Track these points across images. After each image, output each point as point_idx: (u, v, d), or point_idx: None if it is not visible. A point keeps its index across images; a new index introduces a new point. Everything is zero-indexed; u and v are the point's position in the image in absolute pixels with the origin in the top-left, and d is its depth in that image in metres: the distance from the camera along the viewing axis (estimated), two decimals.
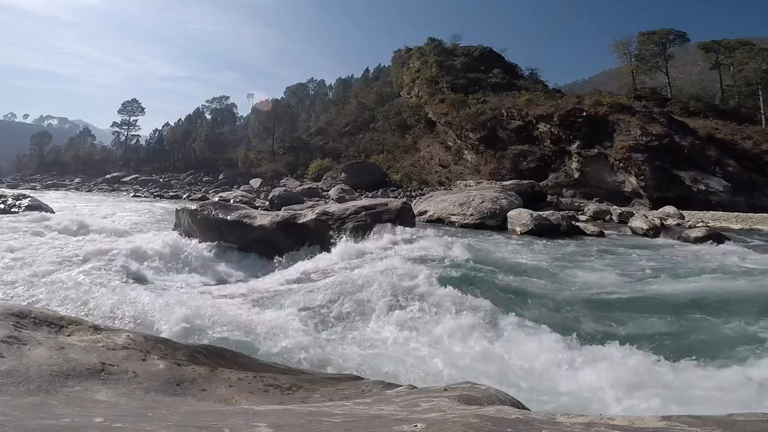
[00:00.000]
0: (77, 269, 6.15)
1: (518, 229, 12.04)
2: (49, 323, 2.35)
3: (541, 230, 11.55)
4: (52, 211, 12.72)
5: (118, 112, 57.42)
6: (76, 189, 38.14)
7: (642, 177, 22.79)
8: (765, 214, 16.31)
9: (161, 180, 41.21)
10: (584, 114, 26.75)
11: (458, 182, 26.98)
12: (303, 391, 2.20)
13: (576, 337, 4.03)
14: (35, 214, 10.98)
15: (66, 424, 1.30)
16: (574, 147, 26.11)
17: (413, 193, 26.72)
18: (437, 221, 14.10)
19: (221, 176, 40.31)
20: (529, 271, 6.61)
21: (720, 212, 17.67)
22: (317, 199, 25.44)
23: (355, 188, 28.64)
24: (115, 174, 44.84)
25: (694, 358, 3.68)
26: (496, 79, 38.47)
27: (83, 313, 4.48)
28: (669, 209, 16.92)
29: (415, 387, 2.32)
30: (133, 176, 42.90)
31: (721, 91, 38.33)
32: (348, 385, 2.40)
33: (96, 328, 2.44)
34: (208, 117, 58.77)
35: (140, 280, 6.25)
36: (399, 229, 8.05)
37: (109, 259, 6.61)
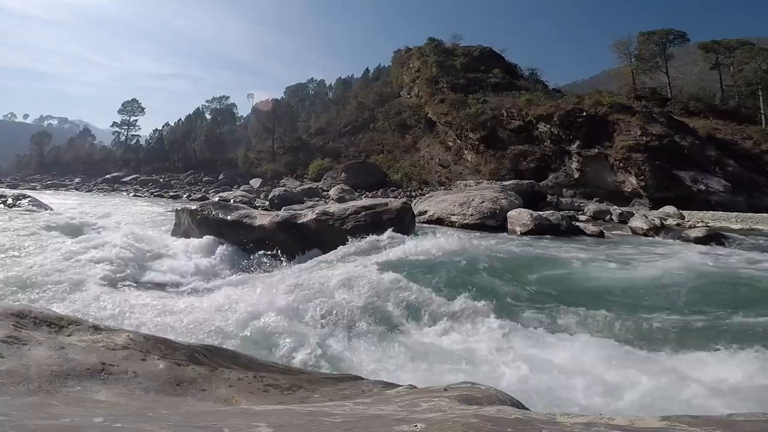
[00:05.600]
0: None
1: (518, 229, 12.03)
2: (49, 323, 2.35)
3: (541, 230, 11.54)
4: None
5: (118, 112, 57.40)
6: (76, 189, 38.09)
7: (642, 177, 22.78)
8: (765, 214, 16.30)
9: (161, 180, 41.17)
10: (584, 114, 26.72)
11: (458, 182, 26.96)
12: (303, 391, 2.20)
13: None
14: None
15: (66, 424, 1.30)
16: (574, 147, 26.09)
17: (413, 193, 26.70)
18: (437, 221, 14.09)
19: (221, 176, 40.26)
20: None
21: (720, 212, 17.65)
22: (317, 199, 25.43)
23: (355, 188, 28.61)
24: (115, 174, 44.78)
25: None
26: (496, 79, 38.43)
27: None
28: (669, 209, 16.91)
29: (415, 387, 2.32)
30: (133, 176, 42.85)
31: (721, 91, 38.30)
32: (348, 385, 2.41)
33: (96, 328, 2.44)
34: (208, 117, 58.69)
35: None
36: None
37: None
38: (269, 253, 7.80)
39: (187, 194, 30.84)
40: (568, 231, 11.83)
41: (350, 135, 43.70)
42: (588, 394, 3.13)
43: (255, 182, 34.97)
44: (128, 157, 52.96)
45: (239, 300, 4.90)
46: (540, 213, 12.77)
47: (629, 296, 5.37)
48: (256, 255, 7.76)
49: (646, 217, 13.76)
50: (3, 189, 19.69)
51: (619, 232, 13.18)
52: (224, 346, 3.39)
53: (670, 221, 14.28)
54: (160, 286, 6.49)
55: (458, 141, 32.46)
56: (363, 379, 2.65)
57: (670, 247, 9.63)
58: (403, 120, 39.46)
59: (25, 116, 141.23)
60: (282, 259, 7.64)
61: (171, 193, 31.84)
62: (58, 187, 38.99)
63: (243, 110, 69.80)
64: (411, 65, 45.46)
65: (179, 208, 9.95)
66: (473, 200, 14.25)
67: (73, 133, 74.64)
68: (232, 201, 17.78)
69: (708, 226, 12.54)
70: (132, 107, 57.75)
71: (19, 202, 12.20)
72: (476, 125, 30.70)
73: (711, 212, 17.62)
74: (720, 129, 27.94)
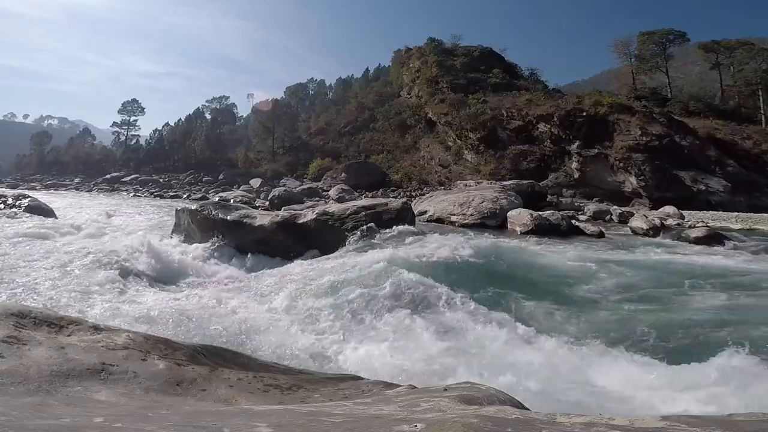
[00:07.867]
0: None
1: (518, 229, 12.03)
2: (49, 323, 2.35)
3: (541, 230, 11.54)
4: (53, 212, 12.75)
5: (118, 112, 57.43)
6: (76, 189, 38.12)
7: (642, 177, 22.78)
8: (765, 214, 16.29)
9: (161, 180, 41.17)
10: (584, 114, 26.72)
11: (458, 182, 26.94)
12: (303, 391, 2.20)
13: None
14: None
15: (66, 424, 1.30)
16: (574, 147, 26.09)
17: (413, 193, 26.66)
18: (437, 221, 14.10)
19: (221, 176, 40.27)
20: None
21: (720, 212, 17.65)
22: (317, 199, 25.42)
23: (355, 188, 28.62)
24: (115, 174, 44.78)
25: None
26: (496, 79, 38.39)
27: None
28: (669, 209, 16.91)
29: (415, 387, 2.32)
30: (133, 176, 42.85)
31: (721, 91, 38.28)
32: (348, 385, 2.41)
33: (96, 328, 2.45)
34: (208, 117, 58.69)
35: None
36: None
37: None
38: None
39: (187, 194, 30.86)
40: (568, 231, 11.83)
41: (350, 135, 43.70)
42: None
43: (255, 182, 34.96)
44: (128, 157, 52.94)
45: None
46: (540, 213, 12.76)
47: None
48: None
49: (646, 217, 13.76)
50: (3, 189, 19.68)
51: (619, 232, 13.17)
52: (224, 346, 3.39)
53: (670, 221, 14.29)
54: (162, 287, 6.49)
55: (458, 141, 32.46)
56: (363, 379, 2.65)
57: (670, 248, 9.62)
58: (403, 120, 39.46)
59: (25, 116, 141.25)
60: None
61: (171, 193, 31.87)
62: (58, 187, 38.99)
63: (243, 110, 69.78)
64: (411, 65, 45.46)
65: (179, 208, 9.94)
66: (473, 200, 14.25)
67: (73, 133, 74.62)
68: (232, 201, 17.78)
69: (708, 226, 12.54)
70: (132, 107, 57.77)
71: (18, 202, 12.20)
72: (476, 125, 30.69)
73: (711, 212, 17.63)
74: (720, 129, 27.92)
